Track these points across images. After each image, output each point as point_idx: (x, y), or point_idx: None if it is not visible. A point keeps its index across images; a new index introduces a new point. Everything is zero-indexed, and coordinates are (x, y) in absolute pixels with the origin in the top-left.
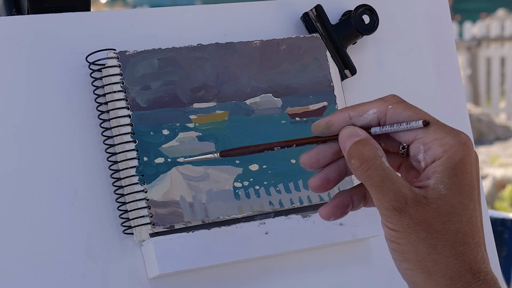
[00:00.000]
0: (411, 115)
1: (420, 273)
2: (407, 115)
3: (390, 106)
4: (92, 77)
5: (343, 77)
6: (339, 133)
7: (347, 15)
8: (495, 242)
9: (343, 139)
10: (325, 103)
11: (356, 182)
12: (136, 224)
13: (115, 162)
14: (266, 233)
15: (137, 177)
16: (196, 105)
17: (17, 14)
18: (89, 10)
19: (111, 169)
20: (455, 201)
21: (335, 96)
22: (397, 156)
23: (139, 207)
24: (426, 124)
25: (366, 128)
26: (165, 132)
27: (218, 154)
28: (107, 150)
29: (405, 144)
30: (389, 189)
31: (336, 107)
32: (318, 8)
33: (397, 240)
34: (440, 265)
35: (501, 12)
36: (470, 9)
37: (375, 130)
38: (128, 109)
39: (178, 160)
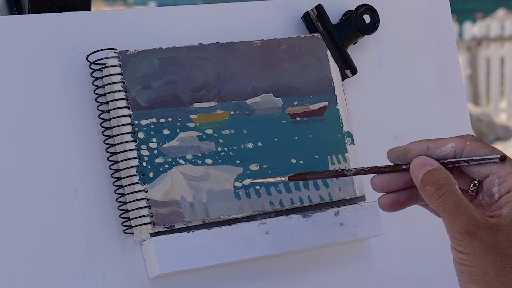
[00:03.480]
0: (487, 152)
1: None
2: (483, 152)
3: (468, 143)
4: (93, 77)
5: (344, 77)
6: (412, 162)
7: (348, 15)
8: None
9: (416, 167)
10: (326, 103)
11: None
12: (136, 224)
13: (116, 162)
14: (267, 233)
15: (138, 177)
16: (196, 105)
17: (18, 14)
18: (90, 10)
19: (111, 169)
20: None
21: (335, 96)
22: (466, 194)
23: (139, 206)
24: (503, 158)
25: (442, 160)
26: (166, 131)
27: (287, 178)
28: (108, 150)
29: (476, 182)
30: (462, 213)
31: (336, 107)
32: (319, 8)
33: (466, 262)
34: (507, 287)
35: (501, 12)
36: (469, 9)
37: (453, 160)
38: (129, 108)
39: (244, 182)
